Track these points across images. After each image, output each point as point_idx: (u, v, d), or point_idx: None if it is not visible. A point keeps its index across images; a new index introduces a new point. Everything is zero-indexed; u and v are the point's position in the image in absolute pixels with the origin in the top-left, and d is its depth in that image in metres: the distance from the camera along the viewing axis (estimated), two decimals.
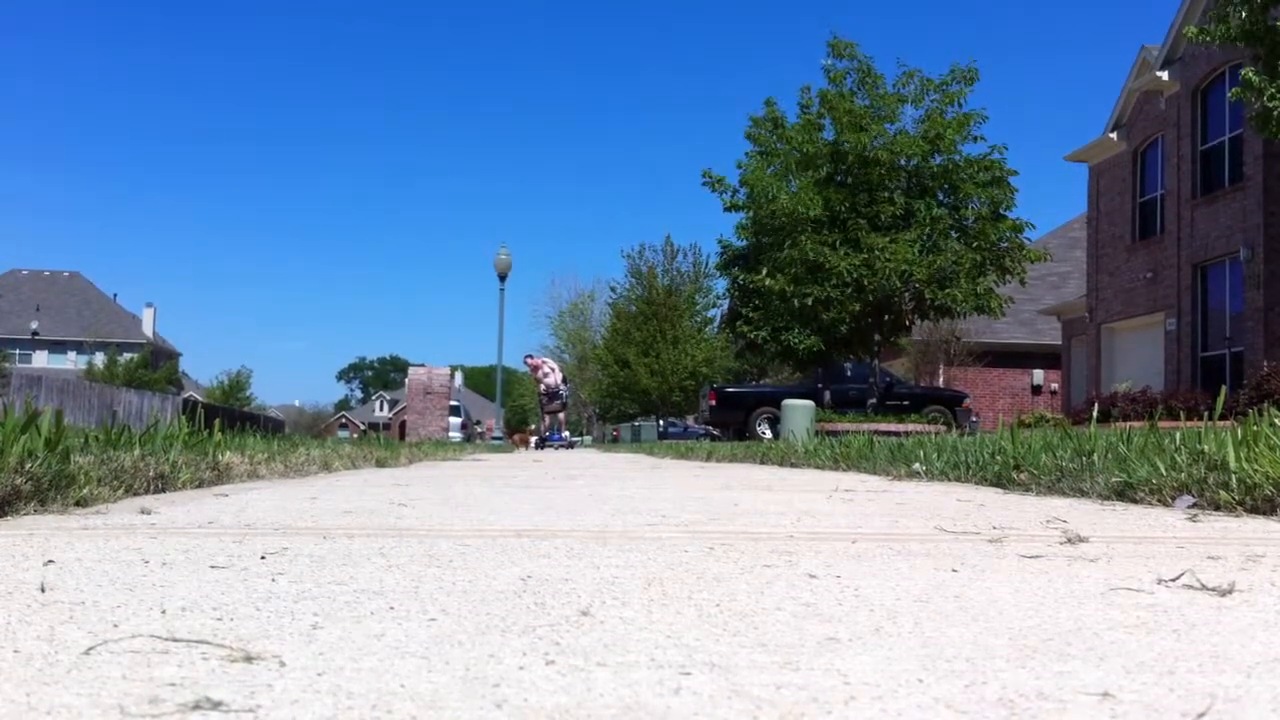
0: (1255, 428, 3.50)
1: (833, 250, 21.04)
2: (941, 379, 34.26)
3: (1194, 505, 3.18)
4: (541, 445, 22.59)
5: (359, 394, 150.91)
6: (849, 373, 24.18)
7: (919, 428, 18.30)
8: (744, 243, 23.46)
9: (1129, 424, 8.14)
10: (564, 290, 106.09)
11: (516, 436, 22.81)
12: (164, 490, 3.91)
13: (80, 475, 3.19)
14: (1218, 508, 3.09)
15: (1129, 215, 25.61)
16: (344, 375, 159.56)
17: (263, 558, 2.00)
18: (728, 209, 22.89)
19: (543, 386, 23.25)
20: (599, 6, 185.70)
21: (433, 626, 1.35)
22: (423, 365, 29.50)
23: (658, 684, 1.05)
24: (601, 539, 2.44)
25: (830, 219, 21.52)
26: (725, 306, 32.17)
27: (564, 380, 23.93)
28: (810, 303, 21.05)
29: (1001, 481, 4.54)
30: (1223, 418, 4.40)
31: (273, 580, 1.72)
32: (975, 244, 21.50)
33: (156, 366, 65.11)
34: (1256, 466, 3.05)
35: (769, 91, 24.58)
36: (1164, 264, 23.64)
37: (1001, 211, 21.73)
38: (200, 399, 47.36)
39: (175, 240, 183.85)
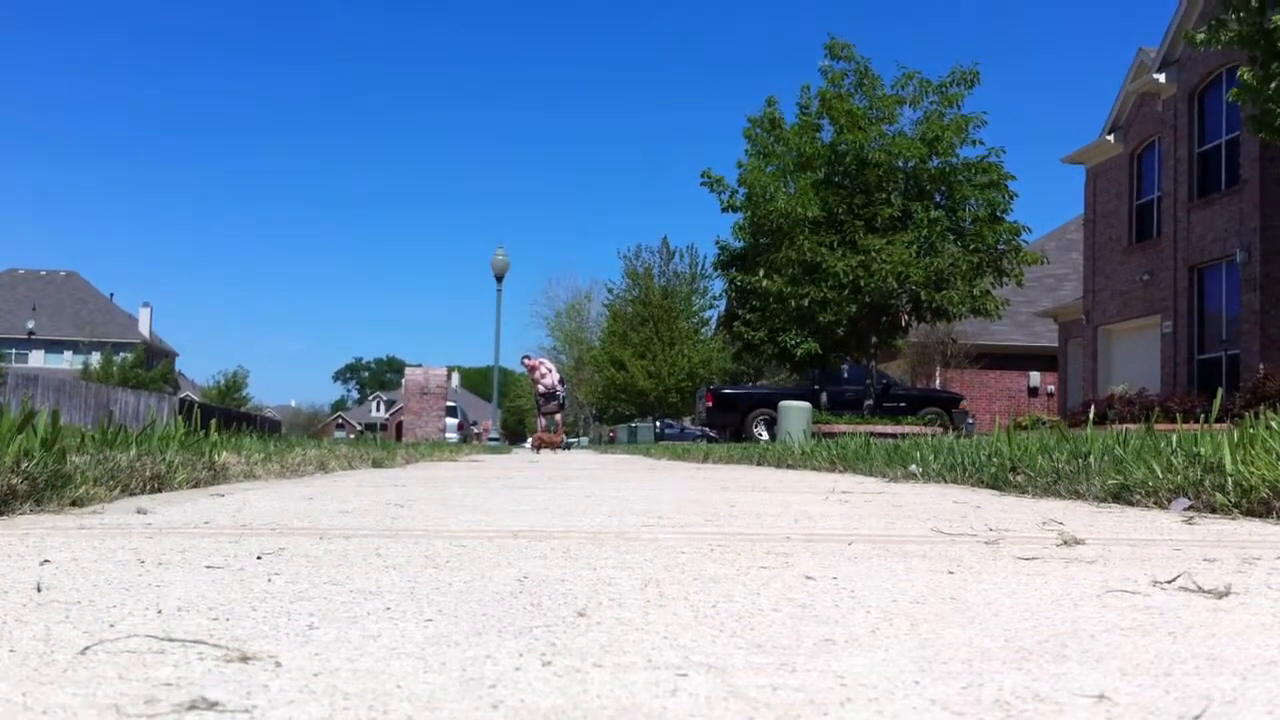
0: (1251, 430, 3.50)
1: (830, 251, 21.08)
2: (938, 381, 34.29)
3: (1190, 508, 3.18)
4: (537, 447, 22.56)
5: (355, 394, 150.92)
6: (846, 374, 24.20)
7: (915, 429, 18.31)
8: (742, 244, 23.49)
9: (1125, 426, 8.14)
10: (561, 291, 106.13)
11: (537, 438, 22.76)
12: (160, 490, 3.91)
13: (76, 475, 3.18)
14: (1214, 510, 3.09)
15: (1126, 217, 25.63)
16: (340, 376, 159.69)
17: (259, 558, 2.00)
18: (725, 210, 22.92)
19: (540, 387, 23.23)
20: (598, 6, 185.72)
21: (429, 627, 1.35)
22: (419, 366, 29.51)
23: (654, 685, 1.05)
24: (598, 540, 2.44)
25: (828, 220, 21.56)
26: (722, 307, 32.19)
27: (561, 381, 23.90)
28: (807, 304, 21.08)
29: (998, 483, 4.54)
30: (1219, 420, 4.41)
31: (269, 580, 1.72)
32: (972, 246, 21.54)
33: (152, 366, 64.95)
34: (1252, 469, 3.06)
35: (769, 94, 24.68)
36: (1161, 266, 23.67)
37: (999, 214, 21.77)
38: (197, 399, 47.28)
39: (172, 240, 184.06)
